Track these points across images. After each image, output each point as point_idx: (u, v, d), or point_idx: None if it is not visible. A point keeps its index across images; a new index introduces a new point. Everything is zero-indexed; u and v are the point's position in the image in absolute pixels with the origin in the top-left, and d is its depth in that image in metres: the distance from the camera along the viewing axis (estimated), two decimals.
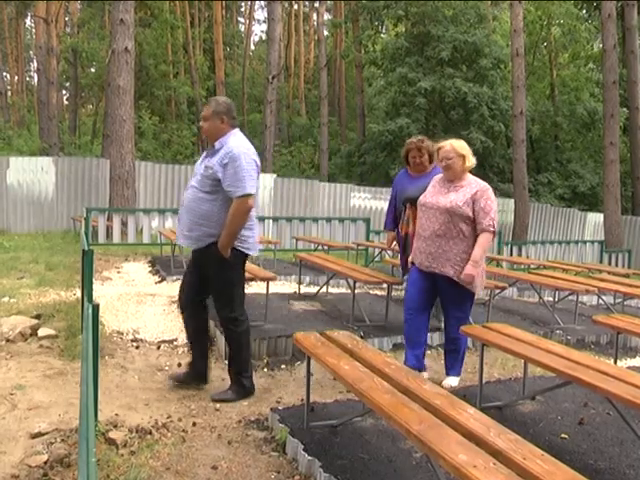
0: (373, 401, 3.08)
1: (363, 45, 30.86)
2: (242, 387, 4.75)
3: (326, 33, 37.38)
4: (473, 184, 4.96)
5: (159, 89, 30.90)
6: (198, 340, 4.92)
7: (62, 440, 3.77)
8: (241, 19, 50.92)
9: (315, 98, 36.70)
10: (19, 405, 4.35)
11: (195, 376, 4.91)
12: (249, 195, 4.43)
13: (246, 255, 4.69)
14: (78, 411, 4.09)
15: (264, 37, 46.53)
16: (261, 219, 14.40)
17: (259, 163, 4.67)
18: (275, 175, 19.18)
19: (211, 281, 4.63)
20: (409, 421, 2.79)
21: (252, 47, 48.38)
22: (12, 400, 4.44)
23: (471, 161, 5.01)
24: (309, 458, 3.53)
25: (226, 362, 5.56)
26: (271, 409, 4.33)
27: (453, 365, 5.26)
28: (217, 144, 4.55)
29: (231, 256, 4.51)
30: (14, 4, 32.93)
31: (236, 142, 4.52)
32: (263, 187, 18.11)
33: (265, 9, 40.35)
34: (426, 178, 5.77)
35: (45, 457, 3.56)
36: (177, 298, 5.01)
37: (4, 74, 46.80)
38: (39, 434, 3.87)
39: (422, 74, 24.92)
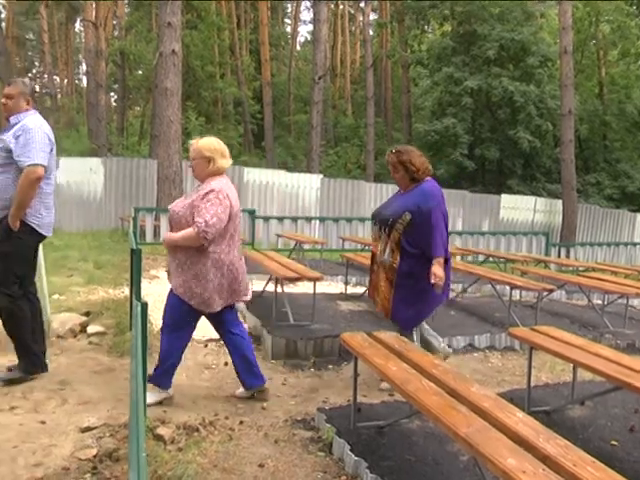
0: (421, 403, 3.07)
1: (409, 45, 30.75)
2: (30, 365, 4.76)
3: (372, 33, 37.31)
4: (205, 188, 4.33)
5: (206, 90, 31.16)
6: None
7: (111, 435, 3.83)
8: (287, 20, 51.12)
9: (361, 98, 36.57)
10: (69, 400, 4.44)
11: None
12: (38, 165, 4.47)
13: (39, 235, 4.70)
14: (126, 407, 4.17)
15: (310, 38, 46.65)
16: (308, 219, 14.46)
17: (53, 139, 4.70)
18: (322, 175, 19.22)
19: None
20: (457, 423, 2.77)
21: (298, 48, 48.45)
22: (62, 395, 4.52)
23: (219, 163, 4.38)
24: (356, 458, 3.53)
25: (273, 361, 5.61)
26: (318, 409, 4.34)
27: None
28: (13, 119, 4.63)
29: (20, 229, 4.52)
30: (64, 9, 33.64)
31: (32, 119, 4.60)
32: (310, 187, 18.16)
33: (311, 10, 40.47)
34: (400, 197, 5.03)
35: (94, 451, 3.62)
36: None
37: (54, 77, 47.80)
38: (88, 428, 3.94)
39: (468, 73, 24.74)
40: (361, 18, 41.91)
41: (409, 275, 4.77)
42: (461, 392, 3.18)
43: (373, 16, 39.72)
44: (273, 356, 5.72)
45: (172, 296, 4.41)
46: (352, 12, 47.36)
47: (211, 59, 31.24)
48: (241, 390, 4.70)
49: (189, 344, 5.86)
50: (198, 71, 30.22)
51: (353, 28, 48.15)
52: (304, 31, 59.85)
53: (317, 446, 3.88)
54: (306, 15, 51.83)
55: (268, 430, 4.10)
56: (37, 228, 4.65)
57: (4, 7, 43.35)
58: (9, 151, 4.48)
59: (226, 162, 4.45)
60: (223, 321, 4.61)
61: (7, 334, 4.74)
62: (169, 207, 4.52)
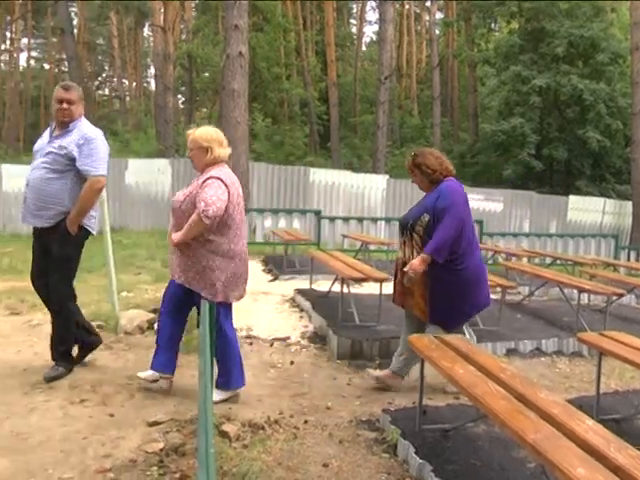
0: (488, 407, 3.03)
1: (476, 43, 30.40)
2: (69, 361, 4.89)
3: (438, 32, 36.98)
4: (204, 177, 4.31)
5: (272, 91, 31.47)
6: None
7: (177, 430, 3.90)
8: (352, 20, 51.11)
9: (427, 98, 36.35)
10: (137, 394, 4.55)
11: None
12: (102, 176, 4.66)
13: (89, 234, 4.82)
14: (192, 403, 4.24)
15: (375, 38, 46.50)
16: (374, 220, 14.43)
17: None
18: (387, 176, 19.14)
19: (52, 257, 4.70)
20: (525, 429, 2.72)
21: (363, 48, 48.37)
22: (130, 389, 4.64)
23: (216, 152, 4.33)
24: (420, 461, 3.50)
25: (338, 361, 5.62)
26: (383, 410, 4.33)
27: None
28: (71, 125, 4.69)
29: (77, 233, 4.67)
30: (133, 15, 34.34)
31: (89, 127, 4.75)
32: (376, 188, 18.12)
33: (376, 10, 40.32)
34: (424, 200, 4.93)
35: (161, 445, 3.70)
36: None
37: (123, 81, 48.96)
38: (155, 423, 4.02)
39: (536, 71, 24.27)
40: (427, 17, 41.71)
41: (440, 277, 4.65)
42: (529, 397, 3.12)
43: (439, 15, 39.42)
44: (338, 356, 5.72)
45: (176, 286, 4.44)
46: (418, 11, 47.09)
47: (277, 60, 31.51)
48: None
49: (254, 342, 5.94)
50: (264, 73, 30.52)
51: (419, 27, 47.85)
52: (369, 31, 59.62)
53: (381, 447, 3.86)
54: (371, 15, 51.61)
55: (333, 430, 4.11)
56: (91, 230, 4.83)
57: (76, 14, 44.69)
58: (71, 159, 4.61)
59: (224, 151, 4.39)
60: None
61: (55, 330, 4.89)
62: (171, 199, 4.49)
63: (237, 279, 4.42)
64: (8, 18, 49.70)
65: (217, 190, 4.15)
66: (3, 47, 54.75)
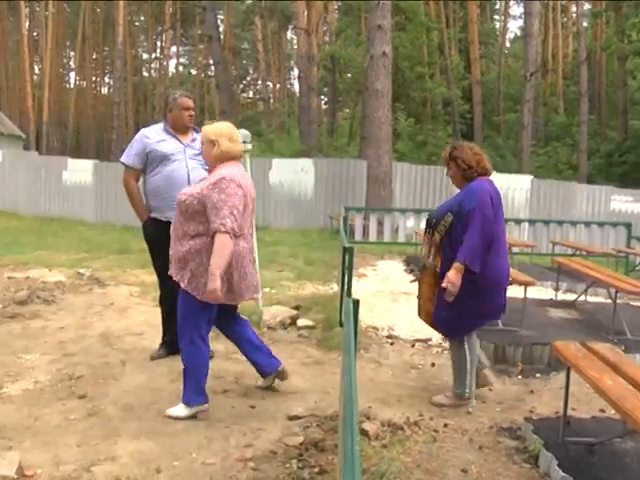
0: (638, 422, 2.86)
1: (626, 35, 28.73)
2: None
3: (585, 24, 35.38)
4: (215, 176, 4.07)
5: (415, 91, 31.22)
6: None
7: (317, 425, 3.95)
8: (496, 16, 49.95)
9: (573, 94, 34.80)
10: (278, 388, 4.65)
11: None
12: None
13: None
14: (333, 399, 4.29)
15: (520, 33, 45.22)
16: (517, 221, 14.04)
17: None
18: (532, 176, 18.55)
19: None
20: None
21: (507, 44, 47.18)
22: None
23: (224, 147, 4.09)
24: (563, 475, 3.34)
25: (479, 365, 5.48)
26: (525, 419, 4.19)
27: None
28: (195, 132, 5.20)
29: None
30: (277, 19, 35.37)
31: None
32: (519, 188, 17.62)
33: (521, 4, 39.18)
34: (453, 197, 4.68)
35: (301, 439, 3.76)
36: None
37: (267, 83, 50.37)
38: (296, 417, 4.11)
39: None
40: (574, 9, 39.91)
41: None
42: None
43: (587, 6, 37.69)
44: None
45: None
46: (564, 3, 45.24)
47: (420, 59, 31.25)
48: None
49: (395, 342, 5.93)
50: (407, 72, 30.36)
51: (565, 20, 45.96)
52: (514, 27, 57.94)
53: (522, 457, 3.73)
54: (516, 10, 50.25)
55: (473, 435, 4.02)
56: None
57: (222, 21, 46.56)
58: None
59: (234, 146, 4.17)
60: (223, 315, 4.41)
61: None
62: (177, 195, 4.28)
63: (231, 283, 4.14)
64: (159, 28, 52.71)
65: (235, 199, 3.97)
66: (154, 55, 58.18)
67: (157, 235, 5.05)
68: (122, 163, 5.21)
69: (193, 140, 5.18)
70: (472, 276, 4.29)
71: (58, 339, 5.81)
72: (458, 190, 4.63)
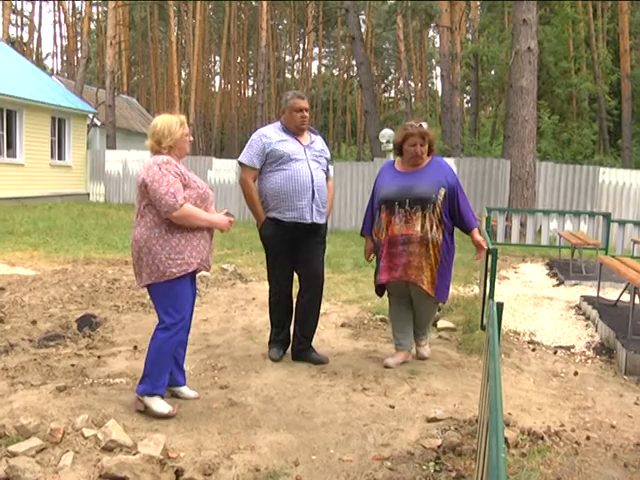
0: None
1: None
2: None
3: None
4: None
5: (559, 87, 30.01)
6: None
7: (456, 429, 3.90)
8: None
9: None
10: (418, 389, 4.64)
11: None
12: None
13: None
14: (472, 403, 4.25)
15: None
16: None
17: None
18: None
19: (318, 246, 5.25)
20: None
21: None
22: (411, 383, 4.76)
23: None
24: None
25: (626, 377, 5.23)
26: None
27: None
28: (312, 134, 5.31)
29: None
30: (420, 17, 35.10)
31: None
32: None
33: None
34: (417, 174, 5.04)
35: (439, 442, 3.72)
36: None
37: (409, 82, 50.20)
38: (434, 419, 4.07)
39: None
40: None
41: (448, 248, 5.00)
42: None
43: None
44: (627, 372, 5.30)
45: None
46: None
47: (565, 54, 30.04)
48: None
49: (537, 348, 5.76)
50: (551, 67, 29.27)
51: None
52: None
53: None
54: None
55: (617, 451, 3.81)
56: None
57: (364, 22, 46.91)
58: (328, 161, 5.38)
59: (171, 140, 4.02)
60: None
61: (311, 314, 5.33)
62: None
63: None
64: (301, 31, 53.88)
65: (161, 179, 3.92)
66: (296, 57, 59.56)
67: (276, 236, 5.15)
68: (241, 163, 5.16)
69: (312, 142, 5.21)
70: (454, 241, 5.09)
71: (202, 331, 6.08)
72: (413, 168, 5.06)
